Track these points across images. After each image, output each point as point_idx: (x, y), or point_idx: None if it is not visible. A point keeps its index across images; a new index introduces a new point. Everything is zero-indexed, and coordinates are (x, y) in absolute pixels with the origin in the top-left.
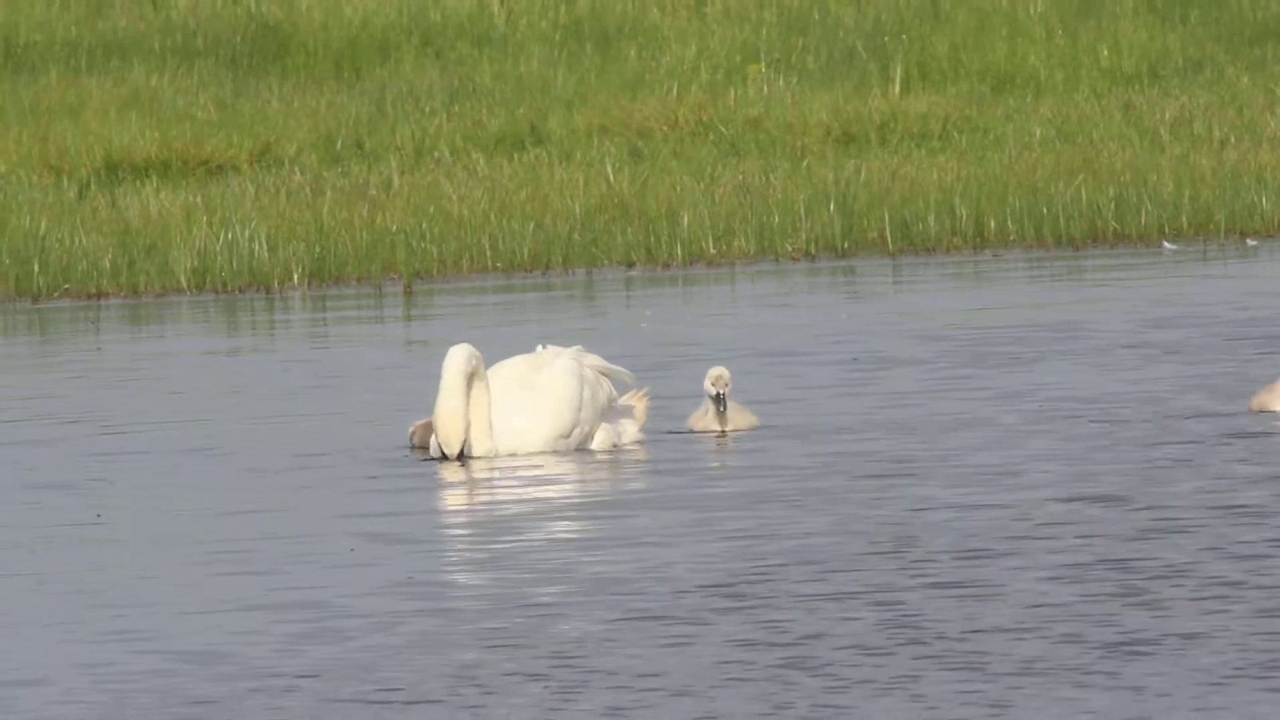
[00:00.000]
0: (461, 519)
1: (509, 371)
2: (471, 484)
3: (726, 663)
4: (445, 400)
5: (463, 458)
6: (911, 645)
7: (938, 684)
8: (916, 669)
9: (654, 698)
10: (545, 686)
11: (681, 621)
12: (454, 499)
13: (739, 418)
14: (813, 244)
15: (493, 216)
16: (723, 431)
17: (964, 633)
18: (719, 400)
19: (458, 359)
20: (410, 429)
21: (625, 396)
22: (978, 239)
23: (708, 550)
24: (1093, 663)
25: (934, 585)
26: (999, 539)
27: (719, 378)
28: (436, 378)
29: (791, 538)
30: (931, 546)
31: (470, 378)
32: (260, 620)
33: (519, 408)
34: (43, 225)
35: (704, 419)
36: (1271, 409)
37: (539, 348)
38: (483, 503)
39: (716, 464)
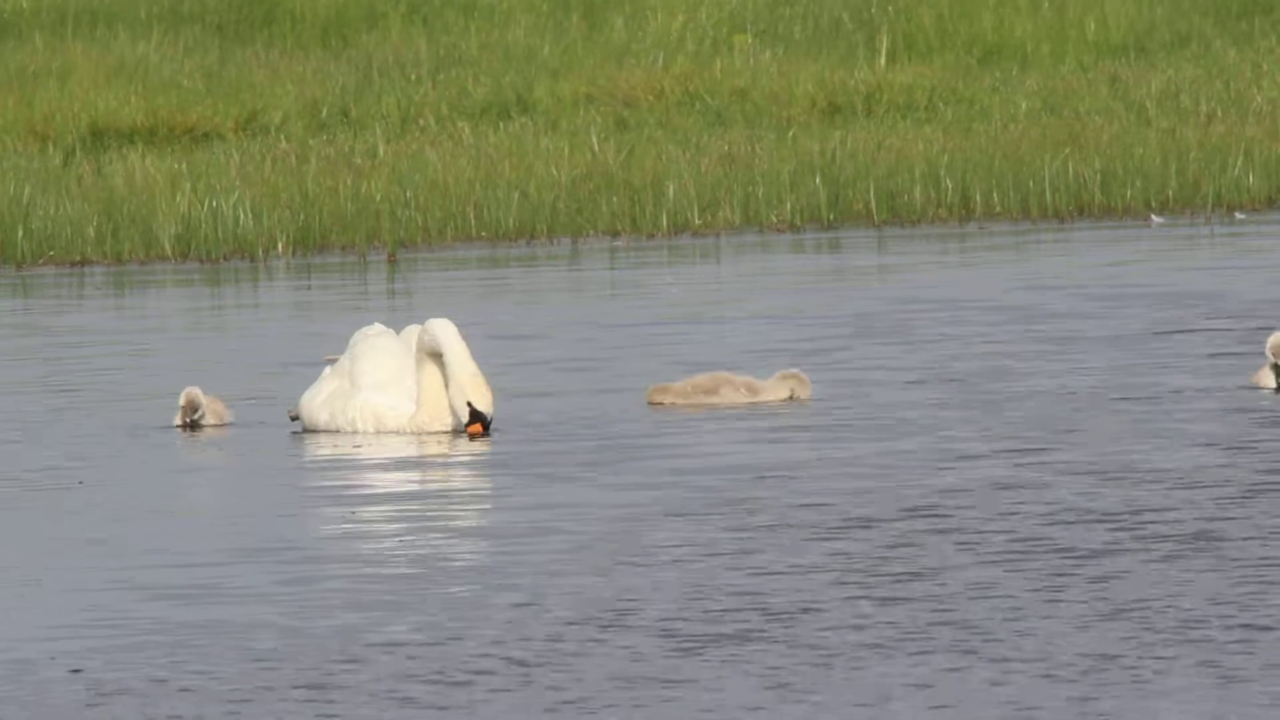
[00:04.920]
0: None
1: (394, 346)
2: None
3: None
4: (471, 366)
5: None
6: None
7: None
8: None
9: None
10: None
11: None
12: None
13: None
14: (798, 215)
15: (478, 185)
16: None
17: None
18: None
19: (452, 327)
20: (188, 400)
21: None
22: (963, 211)
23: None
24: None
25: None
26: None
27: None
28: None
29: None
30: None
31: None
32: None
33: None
34: (27, 192)
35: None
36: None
37: (375, 325)
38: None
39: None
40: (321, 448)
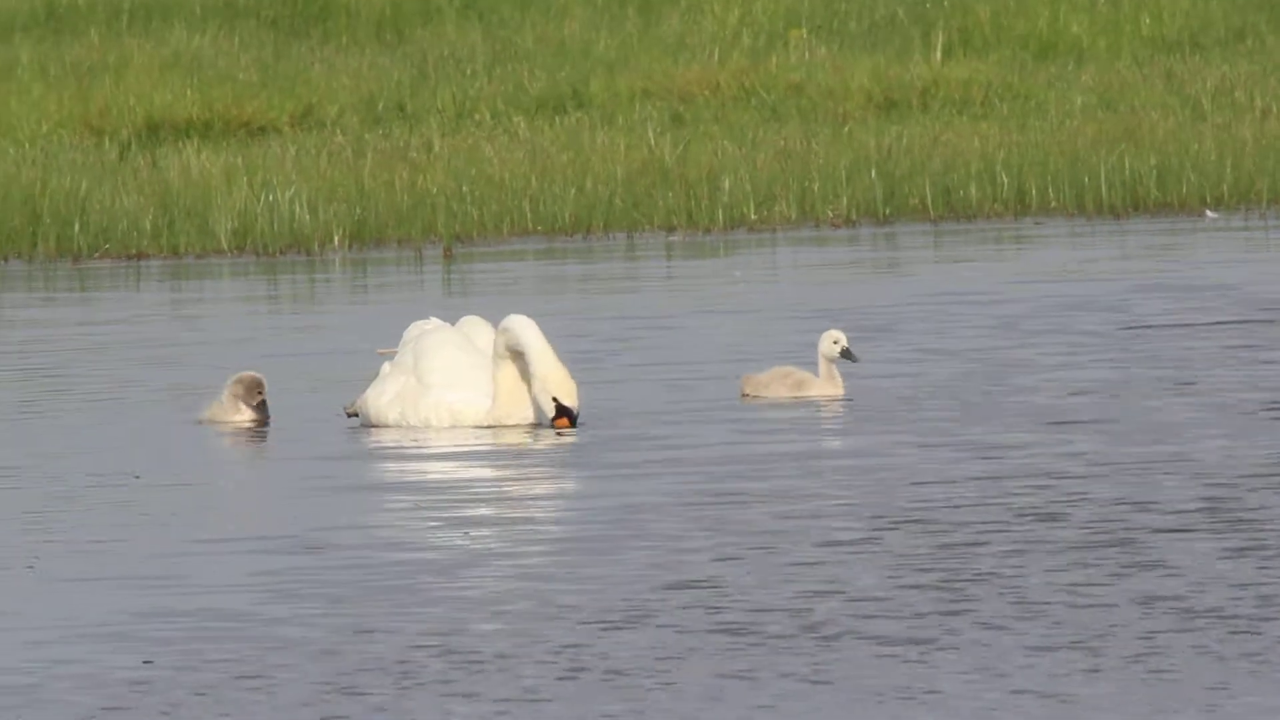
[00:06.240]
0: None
1: (458, 340)
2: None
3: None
4: (554, 362)
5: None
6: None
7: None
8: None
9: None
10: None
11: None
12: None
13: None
14: (854, 210)
15: (533, 180)
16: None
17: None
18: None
19: (533, 324)
20: (253, 381)
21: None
22: (1019, 206)
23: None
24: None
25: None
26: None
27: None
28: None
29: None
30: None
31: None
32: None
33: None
34: (84, 186)
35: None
36: None
37: (431, 319)
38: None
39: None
40: (390, 441)
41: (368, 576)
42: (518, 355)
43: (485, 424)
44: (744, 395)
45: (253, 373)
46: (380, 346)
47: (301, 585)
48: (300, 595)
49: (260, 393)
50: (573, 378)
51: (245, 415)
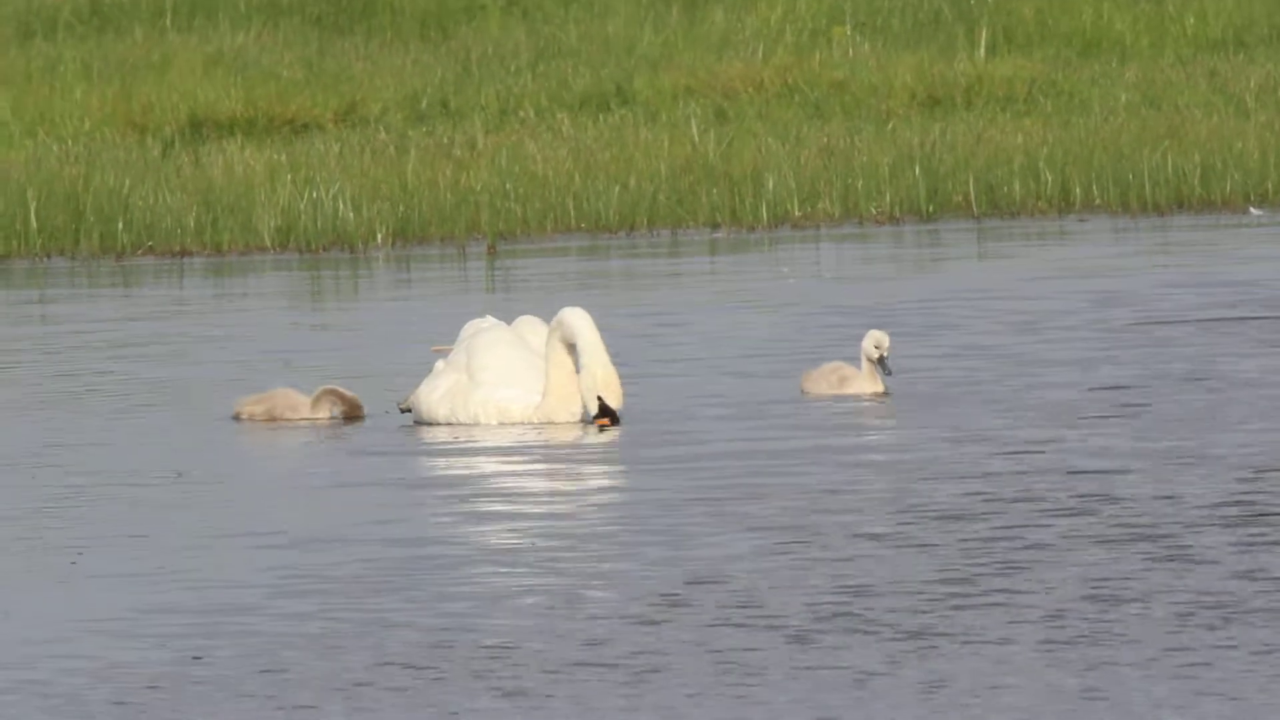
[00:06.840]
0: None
1: (511, 338)
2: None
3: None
4: (604, 359)
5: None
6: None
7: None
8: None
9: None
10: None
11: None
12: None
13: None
14: (897, 207)
15: (577, 177)
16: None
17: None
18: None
19: (587, 317)
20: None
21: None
22: (1063, 203)
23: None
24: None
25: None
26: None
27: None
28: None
29: None
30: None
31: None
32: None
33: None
34: (127, 183)
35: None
36: None
37: (487, 318)
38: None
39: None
40: (436, 437)
41: (398, 570)
42: (572, 348)
43: (532, 421)
44: (803, 391)
45: (355, 396)
46: (427, 344)
47: (328, 581)
48: (328, 591)
49: (359, 416)
50: (619, 378)
51: (323, 414)
